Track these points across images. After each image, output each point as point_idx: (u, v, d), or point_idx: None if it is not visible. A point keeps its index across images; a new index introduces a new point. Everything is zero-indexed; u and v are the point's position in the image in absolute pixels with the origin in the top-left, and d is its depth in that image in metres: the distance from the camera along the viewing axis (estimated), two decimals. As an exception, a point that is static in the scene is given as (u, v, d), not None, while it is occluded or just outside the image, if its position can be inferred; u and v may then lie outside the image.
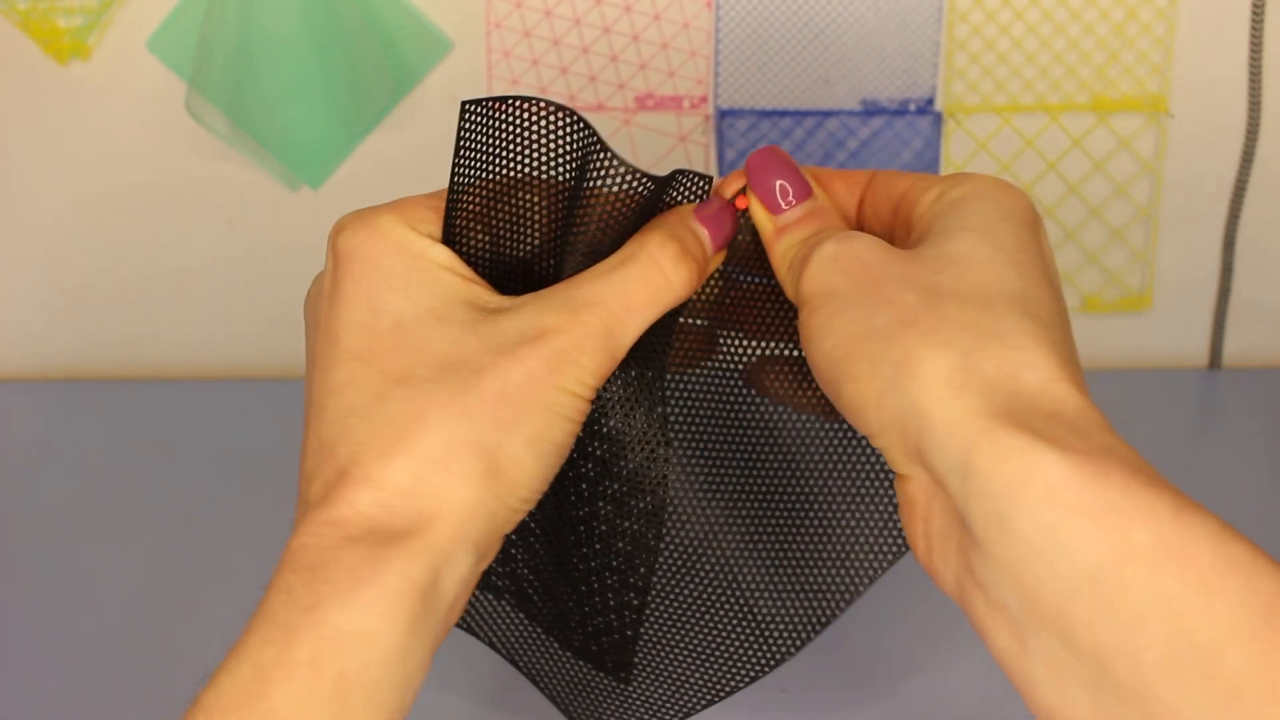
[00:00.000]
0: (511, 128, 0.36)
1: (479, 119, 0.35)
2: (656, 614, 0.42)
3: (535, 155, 0.36)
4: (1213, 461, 0.71)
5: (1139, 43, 0.74)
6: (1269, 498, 0.68)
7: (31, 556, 0.64)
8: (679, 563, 0.42)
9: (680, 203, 0.38)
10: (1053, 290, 0.33)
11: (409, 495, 0.32)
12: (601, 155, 0.35)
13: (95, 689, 0.55)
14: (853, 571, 0.40)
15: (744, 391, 0.40)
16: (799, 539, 0.40)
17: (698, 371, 0.40)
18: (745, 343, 0.40)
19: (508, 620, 0.44)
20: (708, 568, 0.41)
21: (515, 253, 0.37)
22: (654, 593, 0.42)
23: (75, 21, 0.73)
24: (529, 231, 0.37)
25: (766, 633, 0.41)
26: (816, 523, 0.40)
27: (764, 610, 0.41)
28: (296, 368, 0.41)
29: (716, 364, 0.40)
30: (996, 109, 0.75)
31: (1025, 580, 0.28)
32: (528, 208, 0.36)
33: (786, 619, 0.40)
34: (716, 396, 0.40)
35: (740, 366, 0.40)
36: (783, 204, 0.37)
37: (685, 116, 0.76)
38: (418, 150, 0.76)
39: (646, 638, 0.42)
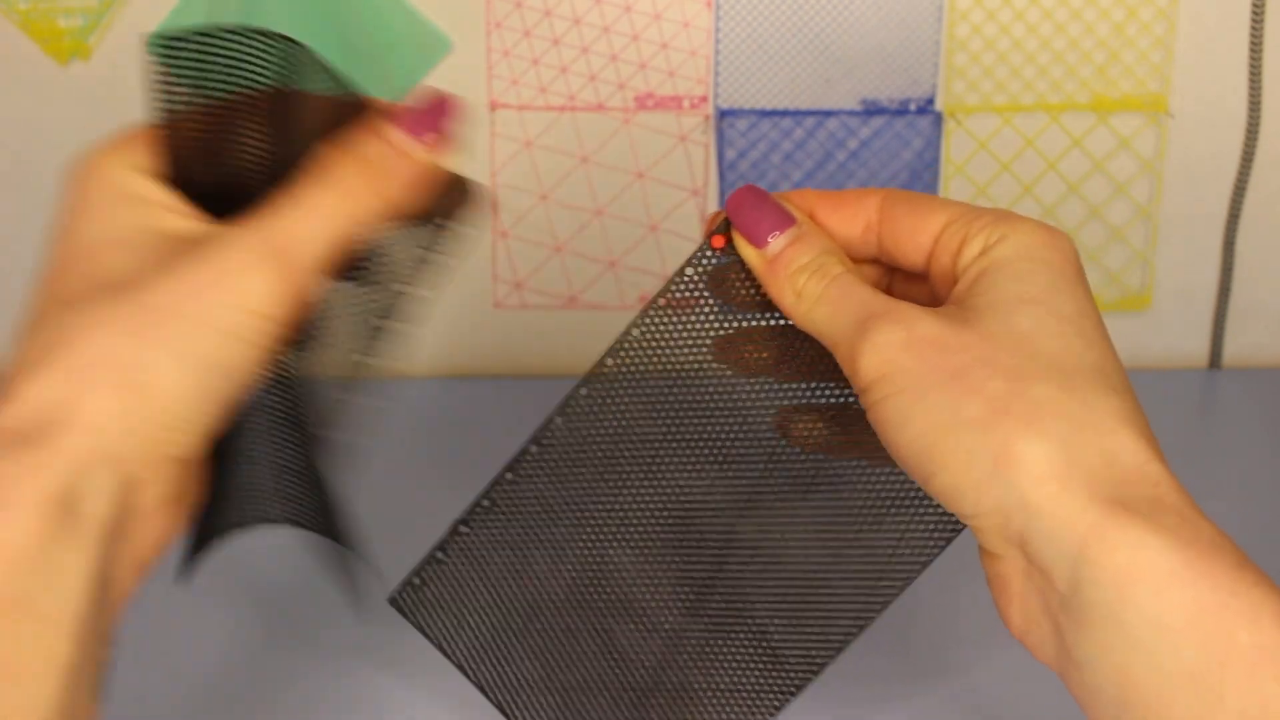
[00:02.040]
0: (186, 53, 0.35)
1: (162, 52, 0.35)
2: (674, 651, 0.42)
3: (210, 76, 0.36)
4: (1212, 462, 0.71)
5: (1139, 42, 0.74)
6: (1269, 498, 0.68)
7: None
8: (692, 594, 0.42)
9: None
10: (1113, 350, 0.33)
11: (40, 407, 0.31)
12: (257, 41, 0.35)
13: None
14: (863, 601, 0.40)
15: (770, 436, 0.40)
16: (818, 569, 0.41)
17: (728, 415, 0.40)
18: (772, 388, 0.39)
19: None
20: (721, 596, 0.42)
21: (231, 181, 0.36)
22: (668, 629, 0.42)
23: (75, 22, 0.73)
24: (230, 157, 0.36)
25: (783, 662, 0.41)
26: (840, 555, 0.41)
27: (778, 639, 0.41)
28: (296, 368, 0.42)
29: (742, 411, 0.40)
30: (997, 109, 0.75)
31: (1125, 670, 0.28)
32: (223, 131, 0.36)
33: (800, 647, 0.41)
34: (742, 439, 0.40)
35: (768, 415, 0.40)
36: (768, 238, 0.36)
37: (685, 116, 0.76)
38: (418, 150, 0.76)
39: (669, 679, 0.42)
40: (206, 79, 0.36)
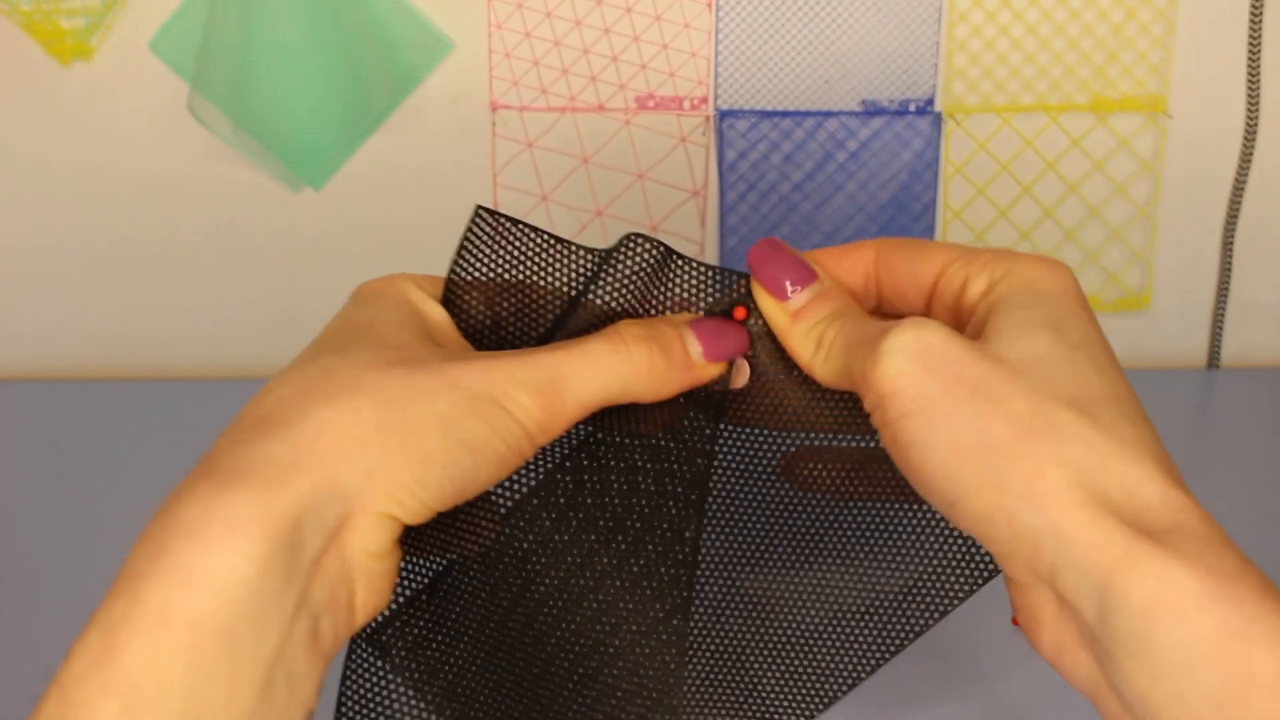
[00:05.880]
0: (512, 243, 0.38)
1: (486, 226, 0.38)
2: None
3: (529, 269, 0.38)
4: (1211, 461, 0.71)
5: (1138, 43, 0.74)
6: (1267, 497, 0.68)
7: (31, 556, 0.65)
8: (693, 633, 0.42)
9: (683, 304, 0.38)
10: (1124, 376, 0.33)
11: (286, 423, 0.30)
12: (605, 274, 0.37)
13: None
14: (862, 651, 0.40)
15: (775, 483, 0.40)
16: (815, 614, 0.40)
17: (733, 460, 0.40)
18: (771, 436, 0.39)
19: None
20: (717, 643, 0.41)
21: (507, 341, 0.38)
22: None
23: (78, 22, 0.73)
24: (517, 326, 0.38)
25: (773, 715, 0.41)
26: (838, 600, 0.40)
27: (770, 692, 0.41)
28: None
29: (746, 456, 0.40)
30: (996, 109, 0.76)
31: (1154, 698, 0.28)
32: (519, 306, 0.38)
33: (792, 700, 0.41)
34: (747, 483, 0.40)
35: (772, 459, 0.39)
36: (790, 290, 0.36)
37: (685, 117, 0.76)
38: (419, 151, 0.76)
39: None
40: (518, 262, 0.38)
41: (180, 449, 0.72)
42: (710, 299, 0.38)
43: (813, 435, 0.39)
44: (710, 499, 0.40)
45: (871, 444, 0.38)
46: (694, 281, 0.38)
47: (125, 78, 0.74)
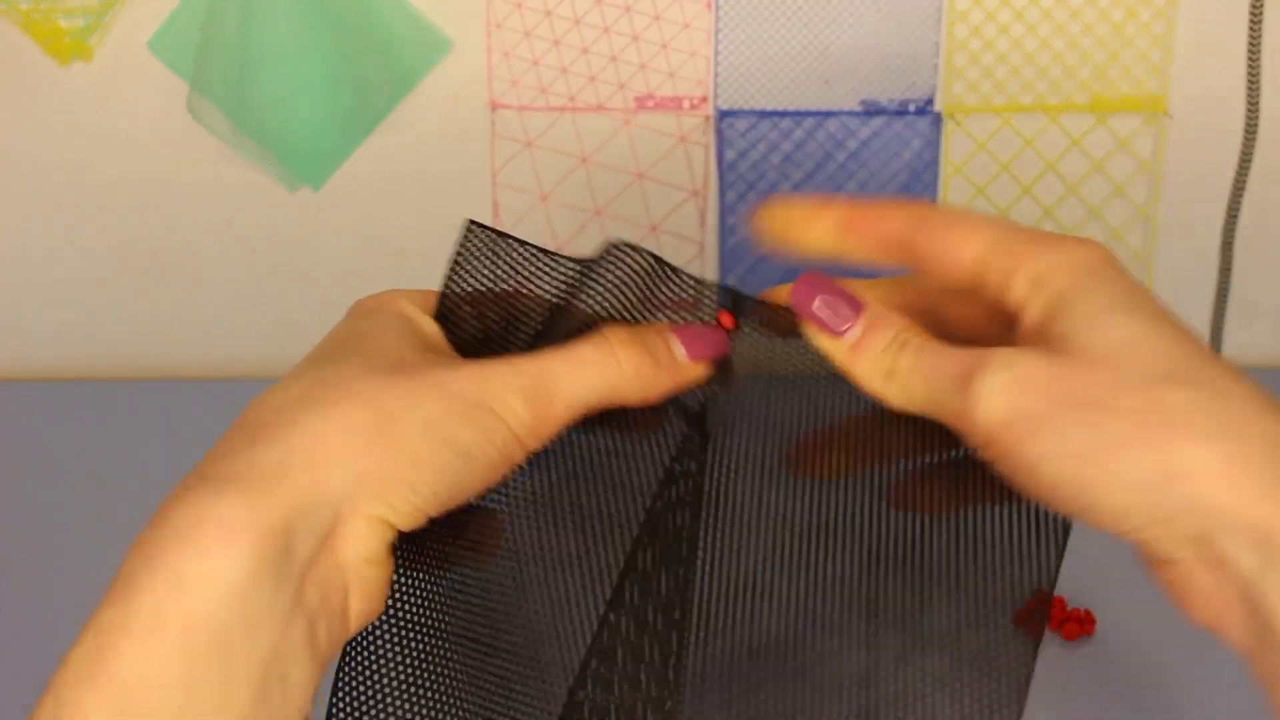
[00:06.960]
0: (502, 255, 0.38)
1: (476, 240, 0.38)
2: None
3: (518, 279, 0.39)
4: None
5: (1138, 43, 0.74)
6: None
7: (31, 556, 0.65)
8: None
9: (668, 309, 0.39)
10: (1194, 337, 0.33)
11: (278, 430, 0.31)
12: (594, 281, 0.37)
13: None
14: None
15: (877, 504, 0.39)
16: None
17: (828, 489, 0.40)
18: (879, 465, 0.39)
19: None
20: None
21: (495, 352, 0.39)
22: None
23: (77, 22, 0.73)
24: (505, 336, 0.39)
25: None
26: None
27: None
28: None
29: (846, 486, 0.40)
30: (996, 109, 0.76)
31: None
32: (507, 316, 0.38)
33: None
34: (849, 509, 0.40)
35: (879, 488, 0.39)
36: (843, 323, 0.36)
37: (685, 117, 0.76)
38: (418, 150, 0.76)
39: None
40: (511, 271, 0.39)
41: (178, 449, 0.72)
42: (697, 308, 0.38)
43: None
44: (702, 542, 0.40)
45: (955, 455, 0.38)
46: (680, 291, 0.38)
47: (124, 78, 0.74)
